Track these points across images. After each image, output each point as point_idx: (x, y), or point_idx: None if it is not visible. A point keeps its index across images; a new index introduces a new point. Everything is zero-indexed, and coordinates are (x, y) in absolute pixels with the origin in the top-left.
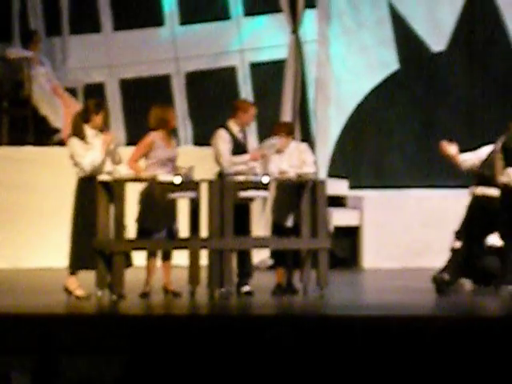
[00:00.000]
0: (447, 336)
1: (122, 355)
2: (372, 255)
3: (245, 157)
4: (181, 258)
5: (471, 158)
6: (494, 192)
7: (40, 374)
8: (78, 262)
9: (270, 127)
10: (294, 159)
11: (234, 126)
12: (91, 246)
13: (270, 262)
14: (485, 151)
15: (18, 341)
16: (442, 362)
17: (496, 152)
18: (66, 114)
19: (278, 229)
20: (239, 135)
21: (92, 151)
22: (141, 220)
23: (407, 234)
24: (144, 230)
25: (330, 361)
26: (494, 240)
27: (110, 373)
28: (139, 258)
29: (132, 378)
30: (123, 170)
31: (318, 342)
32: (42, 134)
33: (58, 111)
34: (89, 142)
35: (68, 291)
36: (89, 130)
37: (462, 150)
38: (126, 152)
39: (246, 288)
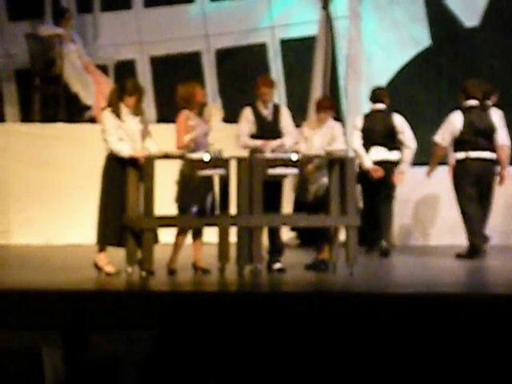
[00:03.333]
0: (476, 313)
1: (151, 331)
2: (402, 232)
3: (257, 142)
4: (211, 235)
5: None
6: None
7: (70, 350)
8: (104, 237)
9: (299, 104)
10: (326, 137)
11: (259, 103)
12: (119, 223)
13: (296, 241)
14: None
15: (48, 316)
16: (471, 339)
17: None
18: (97, 91)
19: (298, 205)
20: (265, 112)
21: (126, 145)
22: (177, 198)
23: (437, 211)
24: (180, 208)
25: (360, 338)
26: None
27: (139, 349)
28: (168, 235)
29: (161, 355)
30: (152, 147)
31: (347, 319)
32: (73, 111)
33: (89, 88)
34: (123, 119)
35: (98, 267)
36: (123, 108)
37: None
38: (156, 129)
39: (277, 265)
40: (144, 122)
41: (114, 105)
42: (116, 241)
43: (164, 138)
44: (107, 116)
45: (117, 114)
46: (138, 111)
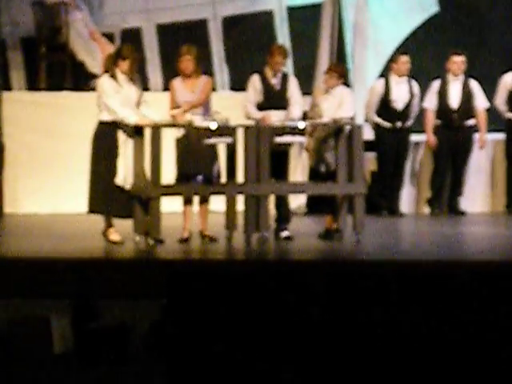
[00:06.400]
0: (486, 281)
1: (159, 300)
2: (409, 200)
3: (258, 115)
4: (218, 203)
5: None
6: None
7: (78, 318)
8: (93, 205)
9: (306, 71)
10: (334, 103)
11: (268, 70)
12: (108, 191)
13: (306, 209)
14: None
15: (57, 285)
16: (477, 306)
17: None
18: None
19: (314, 174)
20: (273, 80)
21: (131, 112)
22: (177, 165)
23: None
24: (181, 176)
25: (367, 305)
26: None
27: (147, 317)
28: (177, 203)
29: (169, 323)
30: (151, 113)
31: (354, 287)
32: (79, 79)
33: (96, 56)
34: (121, 84)
35: (106, 236)
36: (119, 74)
37: None
38: (163, 97)
39: (285, 233)
40: (139, 91)
41: (110, 70)
42: (106, 209)
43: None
44: (106, 80)
45: (114, 78)
46: (132, 76)
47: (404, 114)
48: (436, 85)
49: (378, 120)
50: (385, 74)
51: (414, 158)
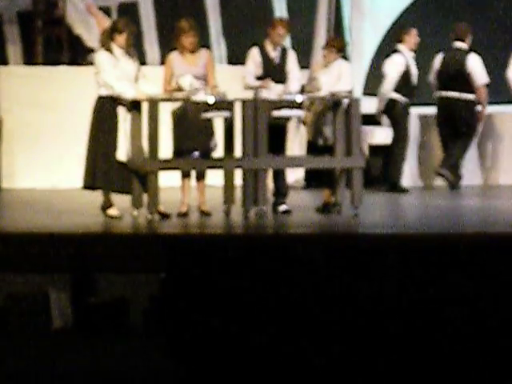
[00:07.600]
0: (484, 253)
1: (158, 274)
2: (407, 173)
3: (257, 83)
4: (216, 178)
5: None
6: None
7: (78, 292)
8: (92, 181)
9: (303, 45)
10: (333, 76)
11: (268, 44)
12: (108, 166)
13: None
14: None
15: (55, 260)
16: (479, 281)
17: None
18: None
19: (311, 147)
20: (273, 54)
21: (128, 86)
22: (174, 140)
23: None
24: (178, 150)
25: (365, 278)
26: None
27: (146, 291)
28: (174, 178)
29: (168, 297)
30: (150, 88)
31: (353, 260)
32: (76, 53)
33: (92, 30)
34: (118, 58)
35: (104, 210)
36: (116, 49)
37: (501, 66)
38: (160, 71)
39: (283, 207)
40: (137, 65)
41: (106, 45)
42: (104, 185)
43: None
44: (102, 55)
45: (110, 52)
46: (129, 50)
47: (416, 88)
48: (438, 60)
49: (397, 96)
50: (397, 49)
51: (414, 131)
